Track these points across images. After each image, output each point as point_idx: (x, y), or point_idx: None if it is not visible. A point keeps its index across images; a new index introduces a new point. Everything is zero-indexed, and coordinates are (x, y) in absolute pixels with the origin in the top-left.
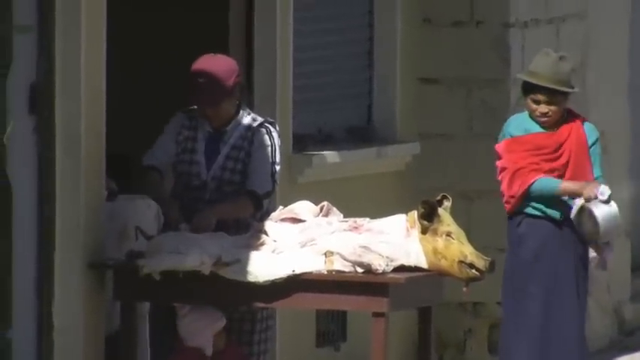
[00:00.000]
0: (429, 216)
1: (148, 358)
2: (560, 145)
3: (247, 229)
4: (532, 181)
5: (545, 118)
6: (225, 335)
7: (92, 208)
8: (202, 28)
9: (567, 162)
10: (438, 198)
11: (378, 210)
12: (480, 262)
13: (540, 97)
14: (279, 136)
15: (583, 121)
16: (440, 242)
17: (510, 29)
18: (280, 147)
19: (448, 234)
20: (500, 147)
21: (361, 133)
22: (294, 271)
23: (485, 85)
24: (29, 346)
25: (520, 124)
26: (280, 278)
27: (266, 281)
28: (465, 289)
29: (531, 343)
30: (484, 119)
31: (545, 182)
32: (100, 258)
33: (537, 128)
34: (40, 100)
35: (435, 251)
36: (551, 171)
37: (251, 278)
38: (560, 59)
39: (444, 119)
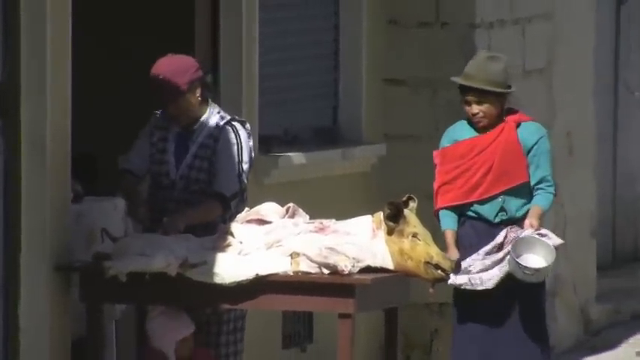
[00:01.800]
0: (394, 217)
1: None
2: (484, 149)
3: (215, 230)
4: (438, 208)
5: (478, 119)
6: (192, 343)
7: (58, 210)
8: (168, 29)
9: (491, 166)
10: (404, 199)
11: (344, 211)
12: (446, 263)
13: (470, 97)
14: (250, 135)
15: (520, 120)
16: (406, 243)
17: (476, 30)
18: (250, 146)
19: (414, 235)
20: (435, 158)
21: (327, 135)
22: (257, 274)
23: (451, 86)
24: None
25: (452, 134)
26: (246, 280)
27: (232, 283)
28: (431, 289)
29: (480, 345)
30: (450, 120)
31: (441, 216)
32: (66, 260)
33: (469, 134)
34: (5, 102)
35: (401, 252)
36: (468, 185)
37: (217, 280)
38: (489, 59)
39: (409, 120)
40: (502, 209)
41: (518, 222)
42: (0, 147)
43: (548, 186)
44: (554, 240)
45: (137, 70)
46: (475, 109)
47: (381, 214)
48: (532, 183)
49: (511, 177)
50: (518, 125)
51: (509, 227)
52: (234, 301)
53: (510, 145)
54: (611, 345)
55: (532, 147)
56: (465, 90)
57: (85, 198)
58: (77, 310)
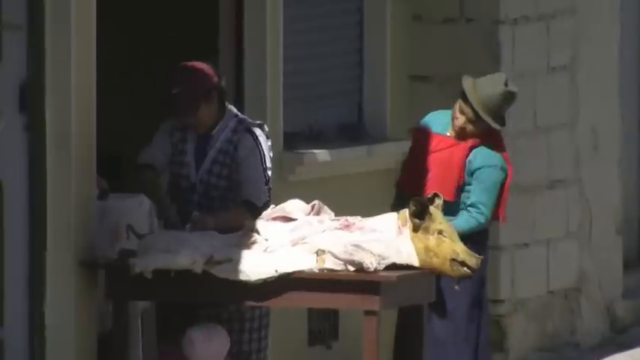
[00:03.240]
0: (420, 214)
1: (140, 357)
2: (435, 151)
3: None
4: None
5: (458, 131)
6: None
7: (83, 206)
8: (192, 27)
9: (432, 169)
10: (429, 196)
11: (369, 208)
12: (472, 260)
13: (468, 111)
14: (268, 137)
15: (485, 145)
16: (431, 240)
17: (500, 26)
18: (270, 148)
19: (440, 232)
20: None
21: (352, 131)
22: (276, 271)
23: None
24: (21, 346)
25: (428, 119)
26: (271, 277)
27: (257, 280)
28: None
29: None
30: None
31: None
32: (91, 257)
33: (439, 128)
34: (31, 99)
35: (427, 249)
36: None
37: (242, 277)
38: (506, 96)
39: None
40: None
41: None
42: (25, 144)
43: (477, 212)
44: None
45: (161, 68)
46: (465, 123)
47: (406, 211)
48: (463, 204)
49: (441, 190)
50: (474, 147)
51: None
52: (259, 299)
53: (452, 163)
54: (637, 342)
55: (474, 171)
56: (467, 101)
57: (110, 195)
58: (102, 307)
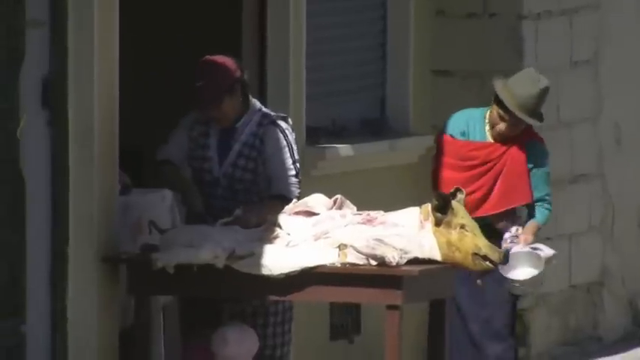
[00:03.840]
0: (442, 208)
1: (162, 352)
2: (489, 162)
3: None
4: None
5: (499, 136)
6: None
7: (106, 201)
8: (215, 22)
9: (494, 182)
10: (452, 190)
11: (392, 203)
12: (494, 255)
13: (508, 118)
14: (293, 130)
15: (529, 139)
16: (454, 235)
17: (523, 21)
18: (295, 140)
19: (462, 226)
20: (440, 142)
21: (374, 126)
22: (305, 266)
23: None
24: (43, 341)
25: (459, 123)
26: (294, 271)
27: (280, 274)
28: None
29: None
30: None
31: None
32: (113, 252)
33: (478, 134)
34: (53, 95)
35: (449, 244)
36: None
37: (265, 271)
38: (542, 93)
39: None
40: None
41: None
42: (48, 139)
43: (547, 203)
44: (546, 251)
45: (183, 63)
46: (507, 129)
47: (428, 206)
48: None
49: (513, 197)
50: (526, 142)
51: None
52: (281, 293)
53: (516, 165)
54: None
55: (533, 167)
56: (504, 107)
57: (132, 190)
58: (124, 302)
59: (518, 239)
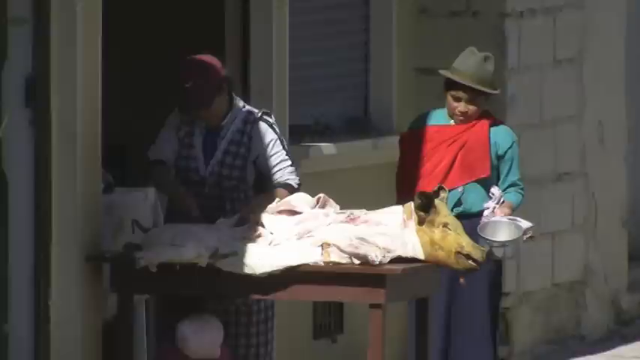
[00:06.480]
0: (425, 207)
1: (144, 347)
2: (452, 138)
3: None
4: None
5: (462, 117)
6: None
7: (89, 200)
8: (198, 21)
9: (456, 155)
10: (435, 189)
11: (375, 201)
12: (477, 253)
13: (462, 94)
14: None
15: (494, 123)
16: (437, 233)
17: (506, 19)
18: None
19: (445, 225)
20: (401, 142)
21: (358, 125)
22: (288, 265)
23: None
24: (26, 339)
25: (422, 121)
26: (277, 270)
27: (263, 273)
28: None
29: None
30: None
31: None
32: (96, 251)
33: (443, 122)
34: (36, 93)
35: (432, 242)
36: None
37: (248, 270)
38: (485, 59)
39: None
40: (459, 202)
41: (474, 218)
42: (31, 138)
43: (520, 188)
44: (524, 223)
45: (165, 60)
46: (465, 107)
47: (411, 205)
48: (502, 187)
49: (474, 171)
50: (490, 125)
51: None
52: (264, 292)
53: (479, 141)
54: None
55: (506, 151)
56: (454, 85)
57: (115, 188)
58: (106, 294)
59: (494, 214)
